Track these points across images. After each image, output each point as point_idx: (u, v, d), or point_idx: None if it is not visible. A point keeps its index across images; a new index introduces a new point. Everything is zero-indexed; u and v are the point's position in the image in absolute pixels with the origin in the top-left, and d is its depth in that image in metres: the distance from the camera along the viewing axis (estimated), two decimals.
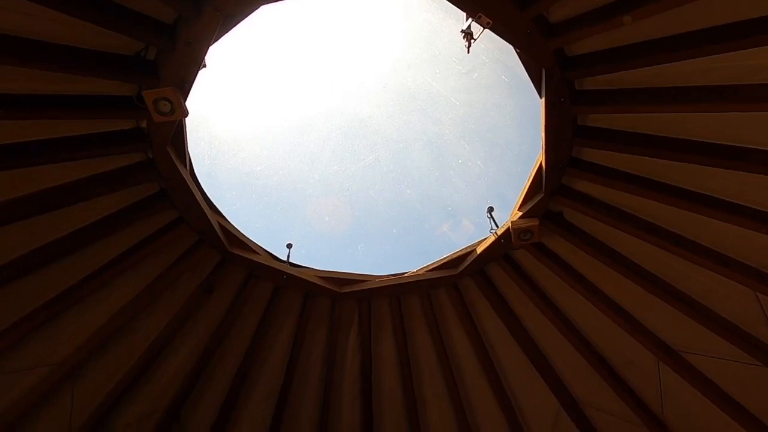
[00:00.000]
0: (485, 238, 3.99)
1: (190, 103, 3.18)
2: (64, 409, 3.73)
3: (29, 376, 3.49)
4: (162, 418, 4.04)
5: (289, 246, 4.30)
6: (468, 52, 3.29)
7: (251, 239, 4.05)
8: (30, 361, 3.50)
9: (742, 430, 3.48)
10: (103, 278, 3.53)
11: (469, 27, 3.22)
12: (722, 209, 3.09)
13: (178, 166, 3.43)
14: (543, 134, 3.40)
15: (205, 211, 3.66)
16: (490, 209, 4.04)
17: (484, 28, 2.96)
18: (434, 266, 4.12)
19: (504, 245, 3.84)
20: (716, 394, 3.53)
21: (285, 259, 4.20)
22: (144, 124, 3.32)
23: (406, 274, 4.19)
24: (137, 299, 3.66)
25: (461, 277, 4.02)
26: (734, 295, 3.28)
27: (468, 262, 3.95)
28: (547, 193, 3.59)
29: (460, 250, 4.09)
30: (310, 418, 4.38)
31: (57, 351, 3.54)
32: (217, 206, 3.93)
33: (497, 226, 3.90)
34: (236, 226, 4.03)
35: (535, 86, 3.33)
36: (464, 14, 3.18)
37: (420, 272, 4.15)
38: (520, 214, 3.71)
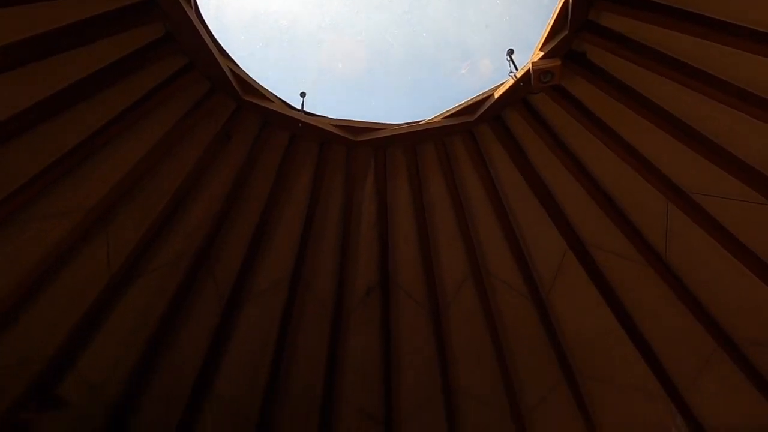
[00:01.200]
0: (503, 83, 3.89)
1: None
2: (101, 254, 4.01)
3: (64, 221, 3.69)
4: (191, 261, 4.34)
5: (303, 95, 4.24)
6: None
7: (264, 87, 3.99)
8: (61, 207, 3.68)
9: (746, 270, 3.62)
10: (120, 126, 3.56)
11: None
12: (757, 40, 2.94)
13: (182, 3, 3.26)
14: None
15: (215, 54, 3.56)
16: (510, 51, 3.88)
17: None
18: (450, 113, 4.08)
19: (523, 89, 3.75)
20: (722, 234, 3.65)
21: (299, 108, 4.17)
22: None
23: (422, 122, 4.17)
24: (157, 146, 3.73)
25: (478, 124, 3.99)
26: (754, 134, 3.26)
27: (485, 108, 3.89)
28: (572, 30, 3.41)
29: (477, 96, 4.02)
30: (329, 263, 4.68)
31: (87, 197, 3.70)
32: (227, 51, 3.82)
33: (516, 69, 3.77)
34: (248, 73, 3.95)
35: None
36: None
37: (436, 119, 4.12)
38: (542, 54, 3.57)
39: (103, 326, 3.93)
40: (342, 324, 4.65)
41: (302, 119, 4.00)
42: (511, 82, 3.76)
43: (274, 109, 3.94)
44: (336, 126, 4.12)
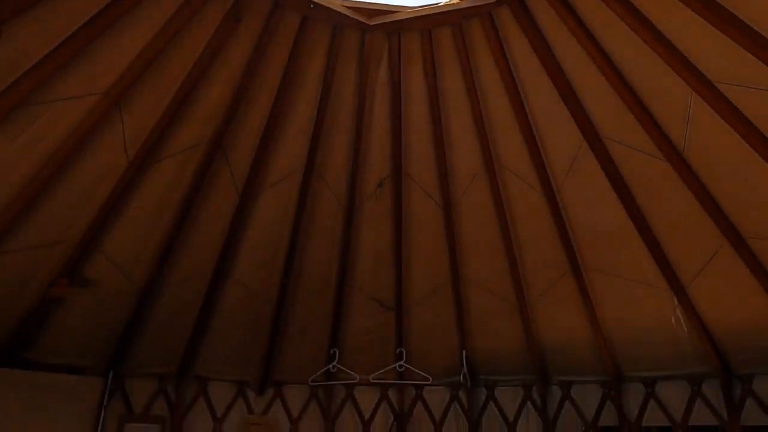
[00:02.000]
0: None
1: None
2: (117, 139, 4.06)
3: (79, 104, 3.71)
4: (207, 149, 4.38)
5: None
6: None
7: None
8: (76, 89, 3.68)
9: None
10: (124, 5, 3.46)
11: None
12: None
13: None
14: None
15: None
16: None
17: None
18: None
19: None
20: (746, 127, 3.53)
21: None
22: None
23: (439, 4, 3.97)
24: (166, 26, 3.63)
25: (499, 5, 3.78)
26: None
27: None
28: None
29: None
30: (342, 154, 4.69)
31: (98, 80, 3.68)
32: None
33: None
34: None
35: None
36: None
37: (454, 1, 3.91)
38: None
39: (124, 210, 4.07)
40: (354, 215, 4.77)
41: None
42: None
43: None
44: (349, 7, 3.94)
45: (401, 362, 4.98)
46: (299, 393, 5.24)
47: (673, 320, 4.16)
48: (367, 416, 5.26)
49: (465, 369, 5.01)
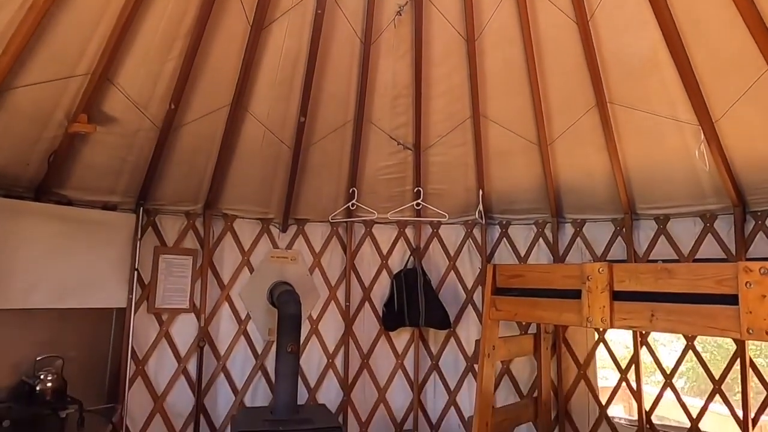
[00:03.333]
0: None
1: None
2: None
3: None
4: None
5: None
6: None
7: None
8: None
9: None
10: None
11: None
12: None
13: None
14: None
15: None
16: None
17: None
18: None
19: None
20: None
21: None
22: None
23: None
24: None
25: None
26: None
27: None
28: None
29: None
30: None
31: None
32: None
33: None
34: None
35: None
36: None
37: None
38: None
39: (133, 44, 3.89)
40: (372, 47, 4.54)
41: None
42: None
43: None
44: None
45: (418, 201, 5.11)
46: (320, 230, 5.51)
47: (696, 154, 4.09)
48: (385, 251, 5.57)
49: (480, 207, 5.14)
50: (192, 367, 4.84)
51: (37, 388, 3.78)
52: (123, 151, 4.31)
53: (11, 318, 3.93)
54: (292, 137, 4.81)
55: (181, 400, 4.77)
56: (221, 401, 4.94)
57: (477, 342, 5.00)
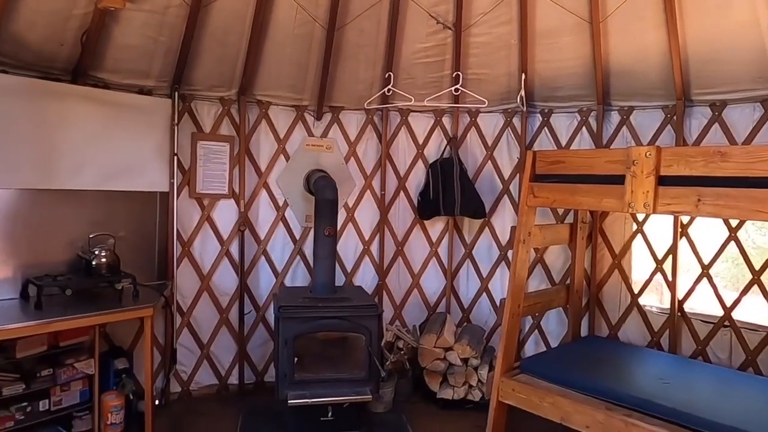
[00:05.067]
0: None
1: None
2: None
3: None
4: None
5: None
6: None
7: None
8: None
9: None
10: None
11: None
12: None
13: None
14: None
15: None
16: None
17: None
18: None
19: None
20: None
21: None
22: None
23: None
24: None
25: None
26: None
27: None
28: None
29: None
30: None
31: None
32: None
33: None
34: None
35: None
36: None
37: None
38: None
39: None
40: None
41: None
42: None
43: None
44: None
45: (457, 86, 4.90)
46: (355, 118, 5.41)
47: (763, 26, 3.72)
48: (420, 140, 5.47)
49: (522, 93, 4.90)
50: (234, 249, 5.06)
51: (93, 263, 4.01)
52: (154, 31, 4.19)
53: (64, 198, 4.10)
54: (326, 15, 4.56)
55: (226, 280, 5.05)
56: (263, 282, 5.20)
57: (512, 229, 5.01)
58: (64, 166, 4.06)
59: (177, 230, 4.77)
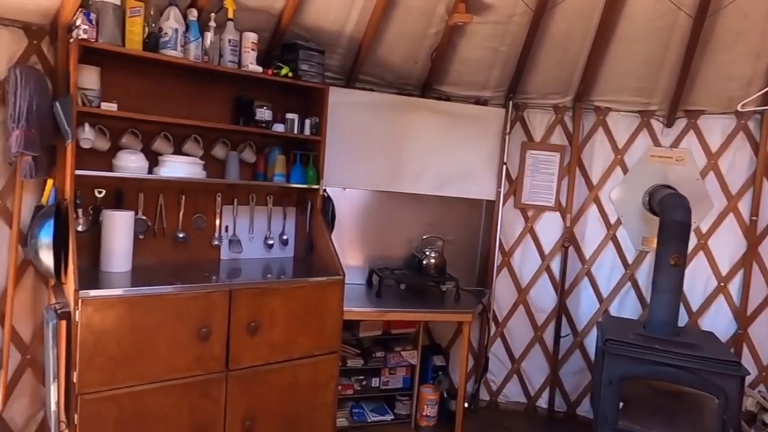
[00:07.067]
0: None
1: None
2: None
3: None
4: None
5: None
6: None
7: None
8: None
9: None
10: None
11: None
12: None
13: None
14: None
15: None
16: None
17: None
18: None
19: None
20: None
21: None
22: None
23: None
24: None
25: None
26: None
27: None
28: None
29: None
30: None
31: None
32: None
33: None
34: None
35: None
36: None
37: None
38: None
39: None
40: None
41: None
42: None
43: None
44: None
45: None
46: (720, 124, 4.37)
47: None
48: None
49: None
50: (555, 266, 4.74)
51: (424, 262, 4.32)
52: (496, 41, 4.22)
53: (407, 200, 4.56)
54: (694, 1, 3.79)
55: (544, 297, 4.78)
56: (584, 305, 4.72)
57: None
58: (408, 172, 4.48)
59: (500, 239, 4.74)
